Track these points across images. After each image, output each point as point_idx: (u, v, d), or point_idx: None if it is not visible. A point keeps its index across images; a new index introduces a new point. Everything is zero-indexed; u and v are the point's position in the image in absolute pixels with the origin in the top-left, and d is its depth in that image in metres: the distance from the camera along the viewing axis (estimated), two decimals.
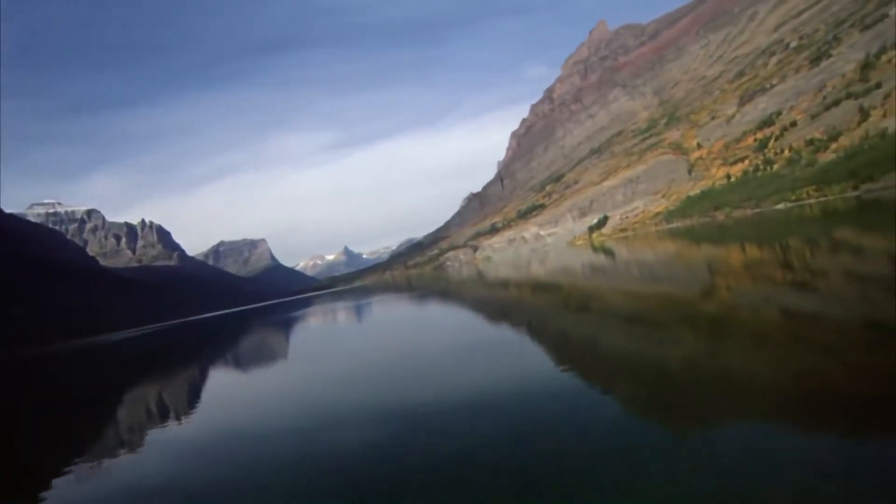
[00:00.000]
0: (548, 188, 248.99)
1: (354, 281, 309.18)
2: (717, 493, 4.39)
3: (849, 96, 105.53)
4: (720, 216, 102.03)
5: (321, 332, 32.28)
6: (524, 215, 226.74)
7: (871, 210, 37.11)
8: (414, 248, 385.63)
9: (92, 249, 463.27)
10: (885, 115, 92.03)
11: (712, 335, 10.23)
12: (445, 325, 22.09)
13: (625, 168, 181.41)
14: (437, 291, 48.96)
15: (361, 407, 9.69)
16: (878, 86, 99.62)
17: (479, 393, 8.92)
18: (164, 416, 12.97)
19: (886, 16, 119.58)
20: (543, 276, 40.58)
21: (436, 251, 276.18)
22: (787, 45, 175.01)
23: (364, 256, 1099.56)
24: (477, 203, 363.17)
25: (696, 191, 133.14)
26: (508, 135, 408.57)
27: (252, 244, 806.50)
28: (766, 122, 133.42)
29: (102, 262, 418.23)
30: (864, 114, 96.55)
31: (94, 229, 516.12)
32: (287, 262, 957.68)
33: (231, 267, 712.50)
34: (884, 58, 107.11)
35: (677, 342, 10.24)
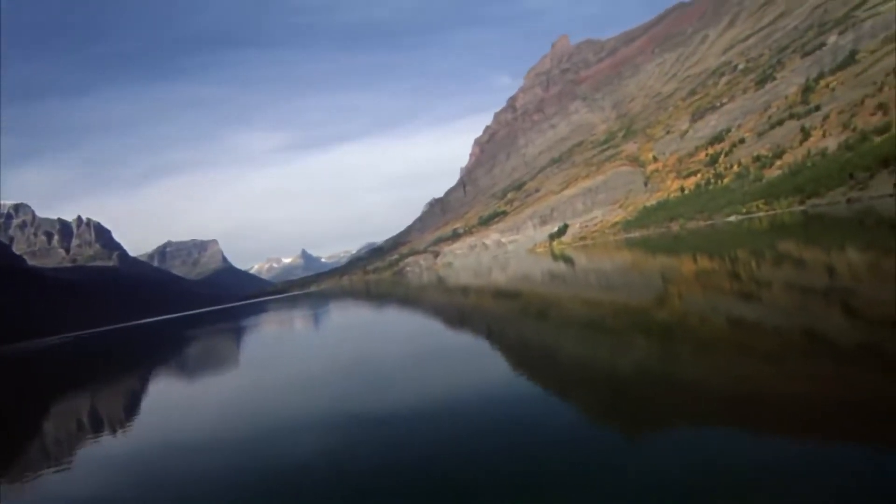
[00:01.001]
0: (509, 195, 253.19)
1: (310, 286, 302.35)
2: (667, 493, 4.51)
3: (791, 117, 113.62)
4: (675, 227, 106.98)
5: (270, 339, 31.23)
6: (486, 222, 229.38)
7: (816, 224, 39.89)
8: (374, 253, 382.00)
9: (18, 247, 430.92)
10: (824, 136, 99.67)
11: (663, 342, 10.61)
12: (402, 331, 21.88)
13: (584, 178, 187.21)
14: (397, 298, 48.58)
15: (312, 416, 9.43)
16: (818, 108, 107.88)
17: (435, 400, 8.88)
18: (96, 428, 12.10)
19: (824, 44, 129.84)
20: (504, 284, 41.07)
21: (396, 256, 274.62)
22: (735, 67, 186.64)
23: (322, 260, 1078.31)
24: (439, 209, 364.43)
25: (652, 202, 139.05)
26: (472, 142, 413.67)
27: (202, 245, 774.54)
28: (717, 139, 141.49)
29: (30, 262, 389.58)
30: (806, 133, 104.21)
31: (23, 225, 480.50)
32: (241, 264, 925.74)
33: (179, 269, 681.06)
34: (822, 82, 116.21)
35: (630, 349, 10.58)
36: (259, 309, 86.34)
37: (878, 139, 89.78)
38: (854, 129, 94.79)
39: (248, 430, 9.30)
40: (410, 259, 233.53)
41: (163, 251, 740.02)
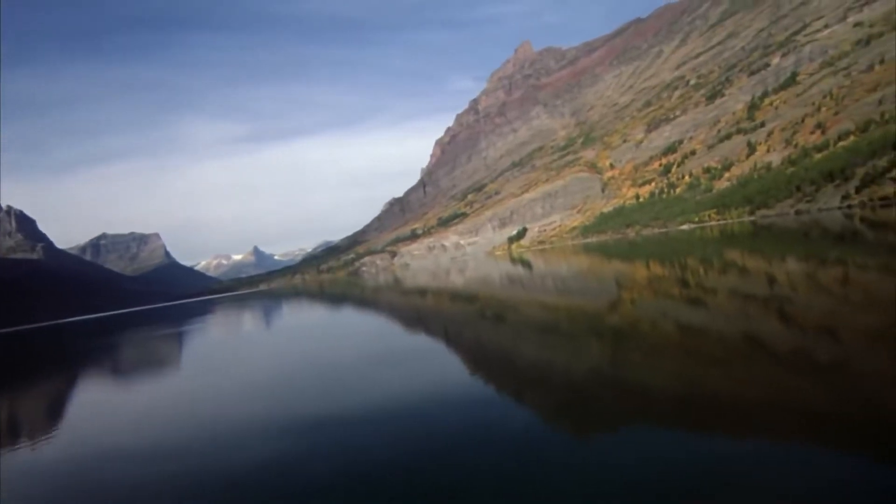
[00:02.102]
0: (469, 197, 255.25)
1: (259, 284, 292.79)
2: (618, 492, 4.66)
3: (739, 131, 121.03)
4: (631, 233, 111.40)
5: (209, 341, 29.93)
6: (445, 223, 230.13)
7: (764, 234, 42.51)
8: (330, 252, 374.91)
9: None
10: (768, 151, 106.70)
11: (615, 345, 10.99)
12: (354, 334, 21.49)
13: (544, 182, 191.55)
14: (352, 299, 47.77)
15: (256, 421, 9.10)
16: (763, 124, 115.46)
17: (389, 404, 8.80)
18: (12, 436, 11.10)
19: (768, 65, 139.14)
20: (462, 286, 41.23)
21: (352, 256, 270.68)
22: (688, 82, 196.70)
23: (276, 258, 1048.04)
24: (398, 208, 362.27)
25: (608, 208, 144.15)
26: (433, 142, 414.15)
27: (142, 238, 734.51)
28: (670, 149, 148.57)
29: None
30: (752, 148, 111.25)
31: None
32: (187, 260, 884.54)
33: (115, 263, 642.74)
34: (766, 100, 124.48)
35: (583, 352, 10.92)
36: (187, 310, 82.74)
37: (817, 156, 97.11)
38: (796, 146, 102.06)
39: (181, 439, 8.88)
40: (367, 259, 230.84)
41: (96, 244, 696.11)
